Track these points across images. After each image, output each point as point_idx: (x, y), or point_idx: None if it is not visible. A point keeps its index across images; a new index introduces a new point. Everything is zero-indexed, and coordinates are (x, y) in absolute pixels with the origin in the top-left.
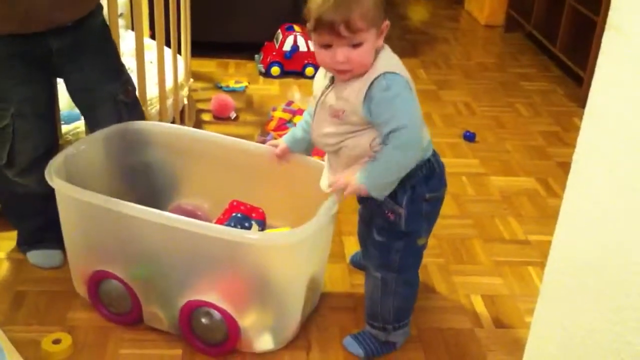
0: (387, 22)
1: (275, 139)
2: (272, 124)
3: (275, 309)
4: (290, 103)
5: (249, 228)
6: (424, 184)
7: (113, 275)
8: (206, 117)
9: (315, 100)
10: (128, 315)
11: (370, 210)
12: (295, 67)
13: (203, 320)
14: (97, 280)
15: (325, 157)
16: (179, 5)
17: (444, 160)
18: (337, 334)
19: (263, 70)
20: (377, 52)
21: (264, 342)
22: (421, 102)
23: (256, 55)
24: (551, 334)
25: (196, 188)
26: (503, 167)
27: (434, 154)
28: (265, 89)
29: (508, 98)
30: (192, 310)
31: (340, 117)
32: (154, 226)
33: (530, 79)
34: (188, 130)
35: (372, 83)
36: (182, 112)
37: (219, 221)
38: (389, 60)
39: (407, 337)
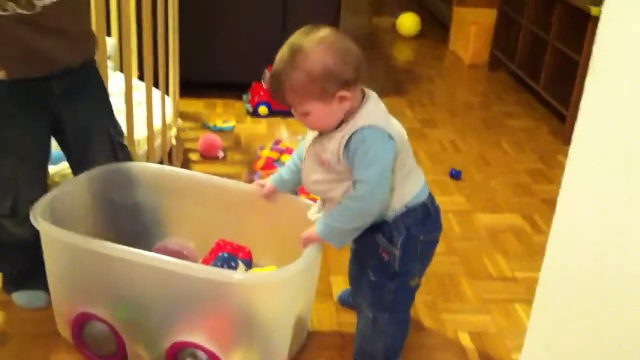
0: (342, 93)
1: (263, 177)
2: (260, 163)
3: (262, 349)
4: (277, 142)
5: (235, 268)
6: (420, 226)
7: (97, 317)
8: (194, 156)
9: (305, 148)
10: (113, 357)
11: (365, 249)
12: (282, 107)
13: None
14: (81, 322)
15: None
16: (167, 46)
17: None
18: None
19: (251, 109)
20: (360, 104)
21: None
22: (408, 140)
23: (244, 95)
24: None
25: (182, 227)
26: (489, 204)
27: (430, 196)
28: (253, 128)
29: (493, 136)
30: (178, 351)
31: (326, 166)
32: (138, 267)
33: (515, 117)
34: (172, 170)
35: (350, 136)
36: (170, 152)
37: (205, 261)
38: (371, 114)
39: None
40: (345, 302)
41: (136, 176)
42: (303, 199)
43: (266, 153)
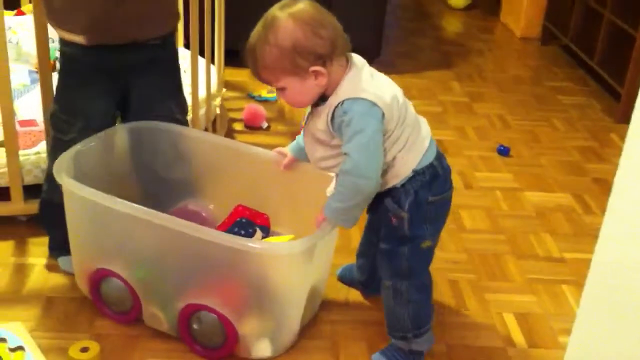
0: (315, 68)
1: None
2: None
3: (274, 317)
4: None
5: (253, 234)
6: (427, 188)
7: (115, 274)
8: (238, 126)
9: (305, 127)
10: (128, 314)
11: (378, 218)
12: None
13: (202, 323)
14: (99, 278)
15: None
16: (213, 14)
17: (477, 174)
18: (333, 343)
19: None
20: (341, 75)
21: (262, 349)
22: (454, 114)
23: None
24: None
25: (204, 190)
26: (538, 182)
27: (438, 157)
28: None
29: (543, 112)
30: (191, 313)
31: (323, 143)
32: (156, 228)
33: (567, 93)
34: (197, 132)
35: (334, 110)
36: (214, 121)
37: (223, 225)
38: (351, 85)
39: (433, 344)
40: (346, 279)
41: (160, 137)
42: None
43: None
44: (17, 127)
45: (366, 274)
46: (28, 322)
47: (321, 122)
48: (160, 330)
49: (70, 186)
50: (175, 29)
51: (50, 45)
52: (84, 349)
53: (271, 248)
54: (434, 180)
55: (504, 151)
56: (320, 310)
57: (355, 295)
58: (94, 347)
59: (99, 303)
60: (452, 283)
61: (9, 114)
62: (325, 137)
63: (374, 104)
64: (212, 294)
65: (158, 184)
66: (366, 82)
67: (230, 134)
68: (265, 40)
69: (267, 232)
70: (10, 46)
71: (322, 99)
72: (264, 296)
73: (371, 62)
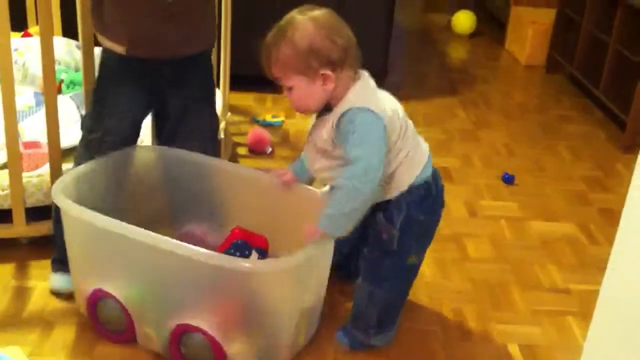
0: (324, 72)
1: None
2: None
3: (264, 336)
4: None
5: (248, 256)
6: (419, 206)
7: (110, 295)
8: (242, 150)
9: (308, 139)
10: (123, 335)
11: (367, 225)
12: None
13: (190, 344)
14: (96, 299)
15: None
16: (219, 38)
17: (482, 202)
18: None
19: None
20: (348, 87)
21: None
22: (459, 142)
23: None
24: None
25: (204, 213)
26: (543, 211)
27: (434, 175)
28: (302, 124)
29: (549, 140)
30: (181, 333)
31: (325, 153)
32: (147, 249)
33: (572, 122)
34: (196, 156)
35: (340, 117)
36: (218, 145)
37: (221, 247)
38: (358, 95)
39: (388, 341)
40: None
41: (159, 160)
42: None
43: None
44: (21, 148)
45: (339, 258)
46: (27, 346)
47: (326, 131)
48: (154, 350)
49: (66, 207)
50: (212, 47)
51: (56, 67)
52: None
53: (257, 266)
54: (426, 198)
55: (509, 179)
56: (322, 328)
57: None
58: None
59: (96, 323)
60: (456, 312)
61: (14, 136)
62: (327, 146)
63: (378, 116)
64: (202, 314)
65: (156, 207)
66: (372, 95)
67: (234, 158)
68: (282, 37)
69: (264, 254)
70: (16, 67)
71: (327, 109)
72: (252, 315)
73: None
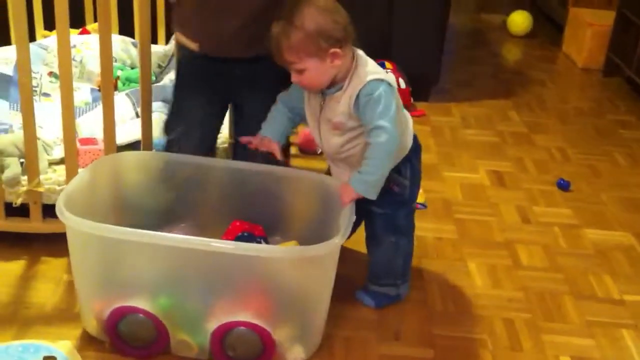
0: (334, 50)
1: None
2: None
3: (306, 319)
4: None
5: None
6: (417, 156)
7: (135, 309)
8: (292, 150)
9: (315, 118)
10: (152, 346)
11: None
12: None
13: (237, 340)
14: (117, 318)
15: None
16: None
17: (535, 208)
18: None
19: None
20: (352, 63)
21: (296, 353)
22: (513, 145)
23: None
24: None
25: (187, 212)
26: (598, 219)
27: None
28: None
29: (605, 146)
30: (225, 331)
31: (341, 129)
32: (175, 251)
33: (629, 127)
34: (175, 156)
35: (359, 91)
36: None
37: None
38: (370, 68)
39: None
40: None
41: (143, 163)
42: (307, 172)
43: None
44: (78, 145)
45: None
46: (78, 341)
47: (342, 105)
48: (189, 356)
49: (75, 224)
50: None
51: (113, 64)
52: None
53: (306, 251)
54: (418, 146)
55: (564, 185)
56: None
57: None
58: None
59: (120, 343)
60: (506, 322)
61: (71, 132)
62: (344, 119)
63: (393, 86)
64: (244, 308)
65: (143, 212)
66: (377, 66)
67: (286, 158)
68: (291, 25)
69: (267, 243)
70: (73, 64)
71: (331, 84)
72: (296, 300)
73: (429, 89)
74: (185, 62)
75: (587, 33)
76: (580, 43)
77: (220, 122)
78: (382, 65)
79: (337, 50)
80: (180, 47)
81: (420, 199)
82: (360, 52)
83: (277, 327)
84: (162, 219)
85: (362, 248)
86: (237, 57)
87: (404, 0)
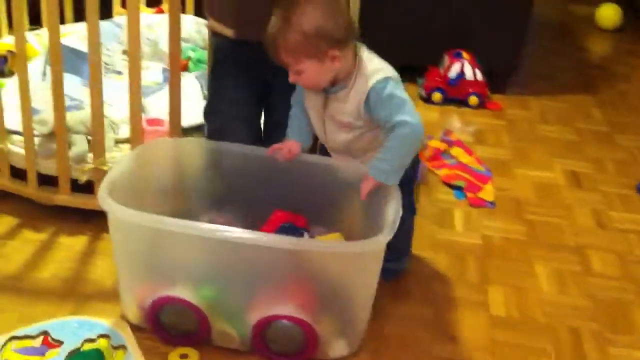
0: (334, 52)
1: (429, 170)
2: (426, 153)
3: (350, 314)
4: (448, 132)
5: (301, 237)
6: None
7: (177, 299)
8: None
9: (318, 115)
10: (194, 336)
11: None
12: (458, 95)
13: (279, 333)
14: (158, 307)
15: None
16: None
17: (612, 213)
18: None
19: (424, 95)
20: (355, 61)
21: (339, 348)
22: (592, 144)
23: (418, 79)
24: None
25: (230, 199)
26: None
27: None
28: (424, 115)
29: None
30: (267, 324)
31: (348, 126)
32: (224, 244)
33: None
34: (213, 144)
35: (368, 93)
36: None
37: (264, 232)
38: (375, 65)
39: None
40: None
41: (188, 151)
42: (352, 162)
43: (434, 143)
44: (144, 125)
45: None
46: (133, 320)
47: (349, 105)
48: (231, 347)
49: (118, 212)
50: None
51: (184, 45)
52: (184, 356)
53: (350, 247)
54: None
55: None
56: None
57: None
58: (194, 355)
59: (161, 331)
60: (572, 330)
61: (137, 112)
62: (351, 119)
63: (397, 79)
64: (286, 301)
65: (184, 198)
66: (380, 60)
67: None
68: (288, 25)
69: (309, 234)
70: (147, 43)
71: (333, 82)
72: (340, 294)
73: (505, 81)
74: (220, 49)
75: None
76: None
77: (261, 108)
78: (459, 56)
79: (337, 52)
80: (214, 34)
81: (488, 196)
82: (364, 49)
83: (320, 321)
84: (205, 205)
85: None
86: None
87: None
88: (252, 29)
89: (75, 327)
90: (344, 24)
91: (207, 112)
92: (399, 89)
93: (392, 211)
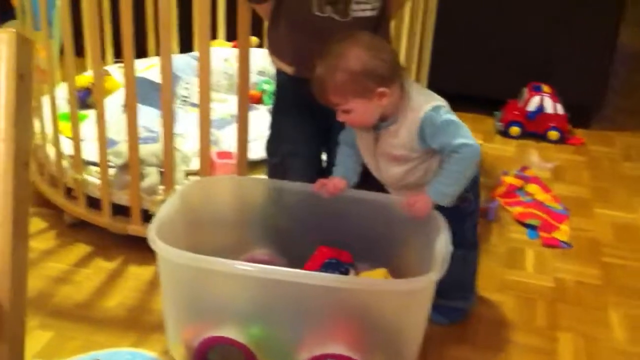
0: (381, 89)
1: (501, 207)
2: (501, 190)
3: (400, 352)
4: (524, 168)
5: (346, 273)
6: (476, 169)
7: (226, 339)
8: None
9: (370, 152)
10: None
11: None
12: (536, 129)
13: None
14: (206, 348)
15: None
16: (421, 53)
17: None
18: None
19: (502, 128)
20: (402, 96)
21: None
22: None
23: (495, 112)
24: None
25: (274, 235)
26: None
27: None
28: (500, 150)
29: None
30: None
31: (402, 160)
32: (270, 283)
33: None
34: (254, 180)
35: (420, 124)
36: None
37: (309, 268)
38: (422, 96)
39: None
40: None
41: (232, 189)
42: (398, 197)
43: (510, 179)
44: (215, 157)
45: None
46: None
47: (401, 139)
48: None
49: (167, 254)
50: None
51: (259, 78)
52: None
53: (399, 284)
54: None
55: None
56: None
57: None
58: None
59: None
60: None
61: (206, 146)
62: (405, 151)
63: (446, 105)
64: (335, 340)
65: (230, 235)
66: (428, 91)
67: None
68: (336, 66)
69: (354, 269)
70: (225, 77)
71: (382, 119)
72: (389, 332)
73: (589, 115)
74: (282, 85)
75: None
76: None
77: (323, 146)
78: (539, 89)
79: (385, 89)
80: (277, 70)
81: (564, 236)
82: (411, 82)
83: (370, 359)
84: (251, 243)
85: None
86: None
87: (567, 17)
88: (309, 66)
89: (127, 358)
90: (389, 61)
91: (268, 148)
92: (451, 114)
93: (441, 249)
